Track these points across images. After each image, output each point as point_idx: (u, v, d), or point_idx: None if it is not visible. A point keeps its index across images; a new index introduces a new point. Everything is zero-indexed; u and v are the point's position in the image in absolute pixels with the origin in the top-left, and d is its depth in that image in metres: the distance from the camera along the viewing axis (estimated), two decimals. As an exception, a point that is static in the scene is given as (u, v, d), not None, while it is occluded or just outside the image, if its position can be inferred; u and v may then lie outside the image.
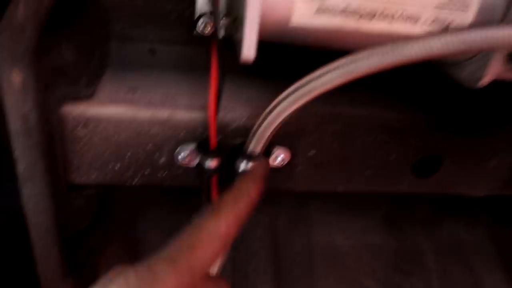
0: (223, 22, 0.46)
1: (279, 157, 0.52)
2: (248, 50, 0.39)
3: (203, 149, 0.49)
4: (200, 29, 0.48)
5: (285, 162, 0.53)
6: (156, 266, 0.27)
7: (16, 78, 0.36)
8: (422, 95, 0.58)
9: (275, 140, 0.52)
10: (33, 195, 0.44)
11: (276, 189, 0.57)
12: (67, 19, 0.45)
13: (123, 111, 0.47)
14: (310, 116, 0.52)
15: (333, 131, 0.52)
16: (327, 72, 0.38)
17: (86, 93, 0.46)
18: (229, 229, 0.31)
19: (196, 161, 0.51)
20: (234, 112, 0.50)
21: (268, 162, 0.43)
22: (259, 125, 0.45)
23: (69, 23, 0.47)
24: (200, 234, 0.30)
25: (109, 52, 0.55)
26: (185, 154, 0.50)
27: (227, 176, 0.53)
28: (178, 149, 0.50)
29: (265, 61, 0.64)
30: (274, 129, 0.45)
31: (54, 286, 0.50)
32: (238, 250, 0.71)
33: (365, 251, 0.76)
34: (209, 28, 0.48)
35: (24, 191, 0.43)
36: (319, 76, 0.38)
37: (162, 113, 0.48)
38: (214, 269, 0.57)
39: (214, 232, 0.30)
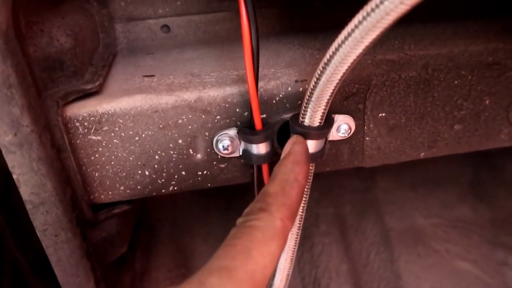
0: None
1: (343, 127, 0.41)
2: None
3: (246, 131, 0.39)
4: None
5: (351, 132, 0.42)
6: (208, 278, 0.22)
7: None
8: (509, 15, 0.45)
9: (334, 107, 0.41)
10: (48, 226, 0.35)
11: (342, 169, 0.46)
12: (54, 3, 0.36)
13: (141, 101, 0.37)
14: (374, 66, 0.40)
15: (407, 80, 0.40)
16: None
17: (93, 87, 0.37)
18: (285, 223, 0.26)
19: (240, 149, 0.40)
20: (277, 79, 0.39)
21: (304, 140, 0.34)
22: (315, 85, 0.34)
23: (59, 6, 0.38)
24: (254, 234, 0.25)
25: (115, 36, 0.46)
26: (226, 143, 0.39)
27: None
28: (216, 138, 0.40)
29: (295, 15, 0.53)
30: (335, 87, 0.34)
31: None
32: (303, 250, 0.60)
33: (453, 229, 0.63)
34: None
35: (36, 222, 0.34)
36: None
37: (189, 96, 0.38)
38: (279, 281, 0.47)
39: (269, 229, 0.25)
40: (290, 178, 0.30)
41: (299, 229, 0.44)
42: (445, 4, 0.53)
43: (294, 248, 0.45)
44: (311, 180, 0.41)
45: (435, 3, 0.52)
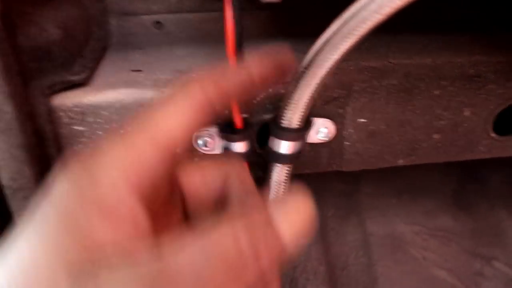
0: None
1: (322, 130, 0.42)
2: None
3: (226, 130, 0.40)
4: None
5: (331, 136, 0.42)
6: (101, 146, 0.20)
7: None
8: (497, 30, 0.46)
9: (315, 110, 0.42)
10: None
11: (322, 172, 0.47)
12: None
13: (126, 94, 0.38)
14: (356, 73, 0.41)
15: (388, 88, 0.41)
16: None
17: (80, 79, 0.38)
18: (206, 93, 0.22)
19: (220, 147, 0.41)
20: (260, 80, 0.40)
21: None
22: (295, 88, 0.35)
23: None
24: (164, 103, 0.21)
25: (109, 30, 0.47)
26: (205, 140, 0.40)
27: (261, 161, 0.44)
28: (196, 134, 0.40)
29: (288, 18, 0.54)
30: (315, 90, 0.35)
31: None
32: (283, 250, 0.61)
33: (433, 237, 0.64)
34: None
35: (14, 208, 0.35)
36: None
37: (173, 92, 0.39)
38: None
39: (184, 94, 0.22)
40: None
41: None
42: (435, 15, 0.53)
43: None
44: (288, 181, 0.42)
45: (425, 14, 0.53)
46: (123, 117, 0.39)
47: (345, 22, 0.30)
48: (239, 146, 0.40)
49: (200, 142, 0.40)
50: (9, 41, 0.32)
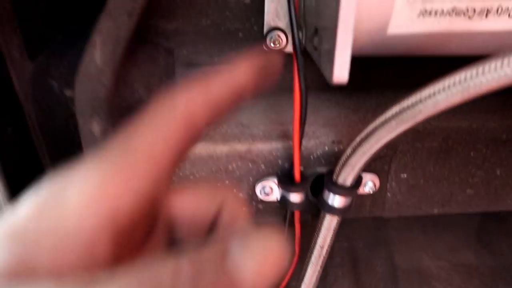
0: (300, 34, 0.41)
1: (368, 184, 0.47)
2: (341, 69, 0.34)
3: (285, 181, 0.45)
4: (271, 45, 0.44)
5: (375, 189, 0.47)
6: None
7: (96, 127, 0.34)
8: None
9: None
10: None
11: (363, 217, 0.52)
12: (130, 52, 0.43)
13: (200, 149, 0.44)
14: (402, 135, 0.46)
15: (429, 149, 0.46)
16: (441, 90, 0.32)
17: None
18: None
19: (277, 195, 0.46)
20: (316, 138, 0.45)
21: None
22: (351, 154, 0.40)
23: (134, 56, 0.44)
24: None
25: (175, 79, 0.53)
26: (265, 189, 0.45)
27: (312, 208, 0.49)
28: (258, 184, 0.46)
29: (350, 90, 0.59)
30: (369, 159, 0.40)
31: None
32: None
33: (456, 272, 0.68)
34: (280, 43, 0.44)
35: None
36: (430, 96, 0.33)
37: (240, 147, 0.44)
38: None
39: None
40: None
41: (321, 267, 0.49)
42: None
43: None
44: (337, 228, 0.47)
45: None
46: (195, 166, 0.44)
47: (403, 110, 0.35)
48: (296, 197, 0.45)
49: (261, 190, 0.45)
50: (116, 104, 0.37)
